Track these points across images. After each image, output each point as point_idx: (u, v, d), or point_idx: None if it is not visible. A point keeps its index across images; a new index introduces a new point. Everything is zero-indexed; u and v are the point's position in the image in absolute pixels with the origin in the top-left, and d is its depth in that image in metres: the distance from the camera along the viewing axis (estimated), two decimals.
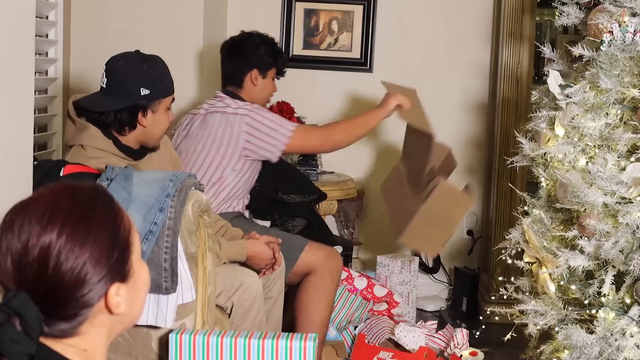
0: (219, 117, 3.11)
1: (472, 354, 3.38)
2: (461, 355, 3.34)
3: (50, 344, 1.17)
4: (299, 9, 4.43)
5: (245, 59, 3.28)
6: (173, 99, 2.58)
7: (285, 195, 3.44)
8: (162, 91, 2.49)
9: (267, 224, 3.34)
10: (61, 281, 1.14)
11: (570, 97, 2.35)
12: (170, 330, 2.24)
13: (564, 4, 2.55)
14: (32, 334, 1.12)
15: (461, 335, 3.37)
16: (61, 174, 2.31)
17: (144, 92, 2.44)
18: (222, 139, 3.08)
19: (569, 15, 2.52)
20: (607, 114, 2.29)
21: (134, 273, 1.23)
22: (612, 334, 2.18)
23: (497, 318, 2.69)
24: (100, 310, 1.19)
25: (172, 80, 2.56)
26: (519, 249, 2.59)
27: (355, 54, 4.44)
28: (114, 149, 2.47)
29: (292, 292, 3.13)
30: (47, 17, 3.56)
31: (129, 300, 1.22)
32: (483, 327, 3.51)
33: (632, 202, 2.19)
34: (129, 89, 2.44)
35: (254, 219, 3.33)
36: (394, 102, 3.30)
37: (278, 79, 3.42)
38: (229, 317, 2.59)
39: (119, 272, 1.20)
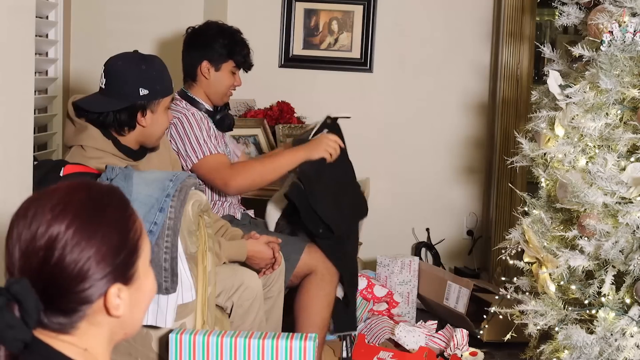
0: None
1: (472, 354, 3.38)
2: (461, 355, 3.34)
3: (50, 342, 1.17)
4: (299, 9, 4.42)
5: (198, 51, 3.14)
6: (172, 99, 2.58)
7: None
8: (161, 91, 2.49)
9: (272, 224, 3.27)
10: (63, 272, 1.14)
11: (570, 97, 2.35)
12: (170, 330, 2.23)
13: (564, 4, 2.55)
14: (29, 322, 1.12)
15: (461, 335, 3.37)
16: (61, 174, 2.31)
17: (143, 92, 2.44)
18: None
19: (569, 15, 2.52)
20: (607, 114, 2.29)
21: (138, 278, 1.23)
22: (612, 334, 2.18)
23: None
24: (100, 310, 1.19)
25: (171, 80, 2.56)
26: (519, 249, 2.59)
27: (355, 54, 4.44)
28: (114, 149, 2.47)
29: (292, 292, 3.12)
30: (47, 17, 3.56)
31: (130, 305, 1.21)
32: (480, 330, 3.51)
33: (632, 202, 2.19)
34: (128, 89, 2.44)
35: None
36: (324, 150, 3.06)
37: (246, 72, 3.24)
38: (229, 317, 2.59)
39: (123, 273, 1.20)
